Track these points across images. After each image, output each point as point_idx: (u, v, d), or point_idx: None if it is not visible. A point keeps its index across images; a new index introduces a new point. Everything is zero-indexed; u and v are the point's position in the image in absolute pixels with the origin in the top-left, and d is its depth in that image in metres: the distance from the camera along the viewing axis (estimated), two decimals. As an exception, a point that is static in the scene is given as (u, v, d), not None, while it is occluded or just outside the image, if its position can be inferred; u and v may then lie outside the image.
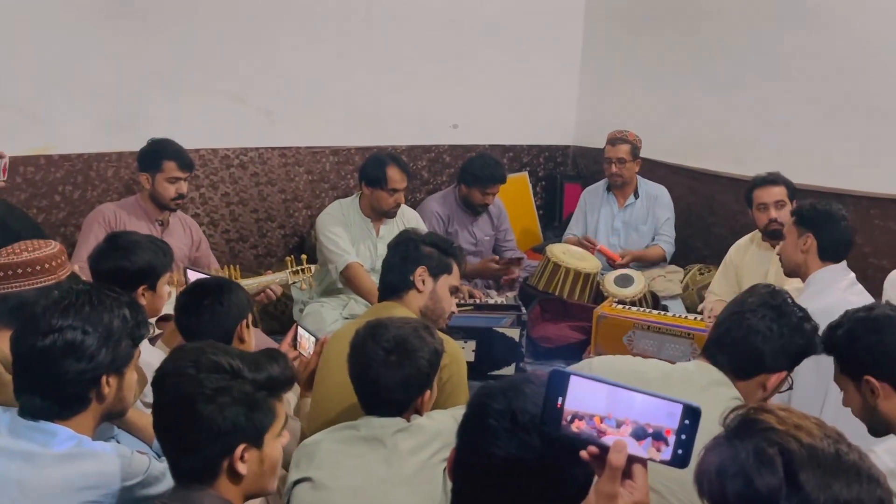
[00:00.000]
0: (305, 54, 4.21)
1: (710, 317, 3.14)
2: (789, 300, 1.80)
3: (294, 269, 3.27)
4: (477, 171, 3.96)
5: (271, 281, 3.17)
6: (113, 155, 3.79)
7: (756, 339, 1.74)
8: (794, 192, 3.27)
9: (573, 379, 1.02)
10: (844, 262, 2.60)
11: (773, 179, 3.27)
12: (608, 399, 1.02)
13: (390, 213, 3.60)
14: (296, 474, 1.76)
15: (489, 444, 1.08)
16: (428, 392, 1.82)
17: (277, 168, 4.30)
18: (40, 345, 1.51)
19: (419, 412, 1.82)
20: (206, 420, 1.30)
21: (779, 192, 3.24)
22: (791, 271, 2.70)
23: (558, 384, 1.03)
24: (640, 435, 1.01)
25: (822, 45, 3.69)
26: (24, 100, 3.52)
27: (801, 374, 1.94)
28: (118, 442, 1.82)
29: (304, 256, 3.32)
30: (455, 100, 4.67)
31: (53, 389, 1.54)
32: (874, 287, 2.72)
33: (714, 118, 4.27)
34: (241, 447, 1.33)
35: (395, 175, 3.51)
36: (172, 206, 3.36)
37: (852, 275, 2.60)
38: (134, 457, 1.59)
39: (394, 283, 2.32)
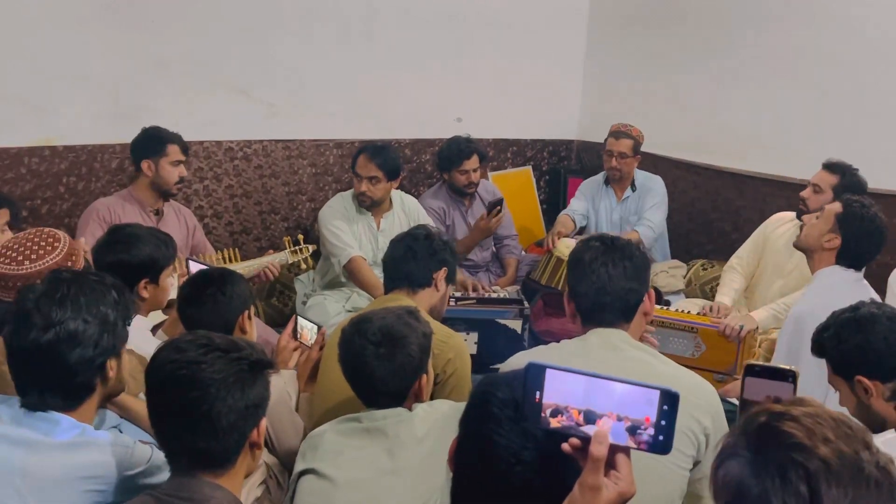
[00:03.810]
0: (309, 47, 4.21)
1: (716, 314, 3.11)
2: (603, 237, 1.84)
3: (293, 249, 3.28)
4: (446, 153, 3.99)
5: (270, 261, 3.18)
6: (117, 146, 3.79)
7: (620, 286, 1.76)
8: (846, 188, 3.13)
9: (549, 372, 1.02)
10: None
11: (829, 165, 3.21)
12: (585, 390, 1.02)
13: (360, 200, 3.54)
14: (301, 465, 1.77)
15: (491, 432, 1.08)
16: (424, 376, 1.82)
17: (281, 161, 4.30)
18: (44, 339, 1.52)
19: (419, 397, 1.82)
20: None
21: (825, 177, 3.17)
22: (801, 248, 2.69)
23: (535, 378, 1.02)
24: (620, 424, 1.01)
25: (827, 40, 3.68)
26: (29, 91, 3.52)
27: (804, 370, 1.93)
28: (121, 432, 1.83)
29: (300, 236, 3.34)
30: (459, 93, 4.65)
31: (60, 382, 1.54)
32: (876, 283, 2.72)
33: (718, 113, 4.26)
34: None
35: (360, 160, 3.51)
36: (174, 191, 3.29)
37: (860, 272, 2.60)
38: (136, 447, 1.60)
39: (415, 274, 2.34)
